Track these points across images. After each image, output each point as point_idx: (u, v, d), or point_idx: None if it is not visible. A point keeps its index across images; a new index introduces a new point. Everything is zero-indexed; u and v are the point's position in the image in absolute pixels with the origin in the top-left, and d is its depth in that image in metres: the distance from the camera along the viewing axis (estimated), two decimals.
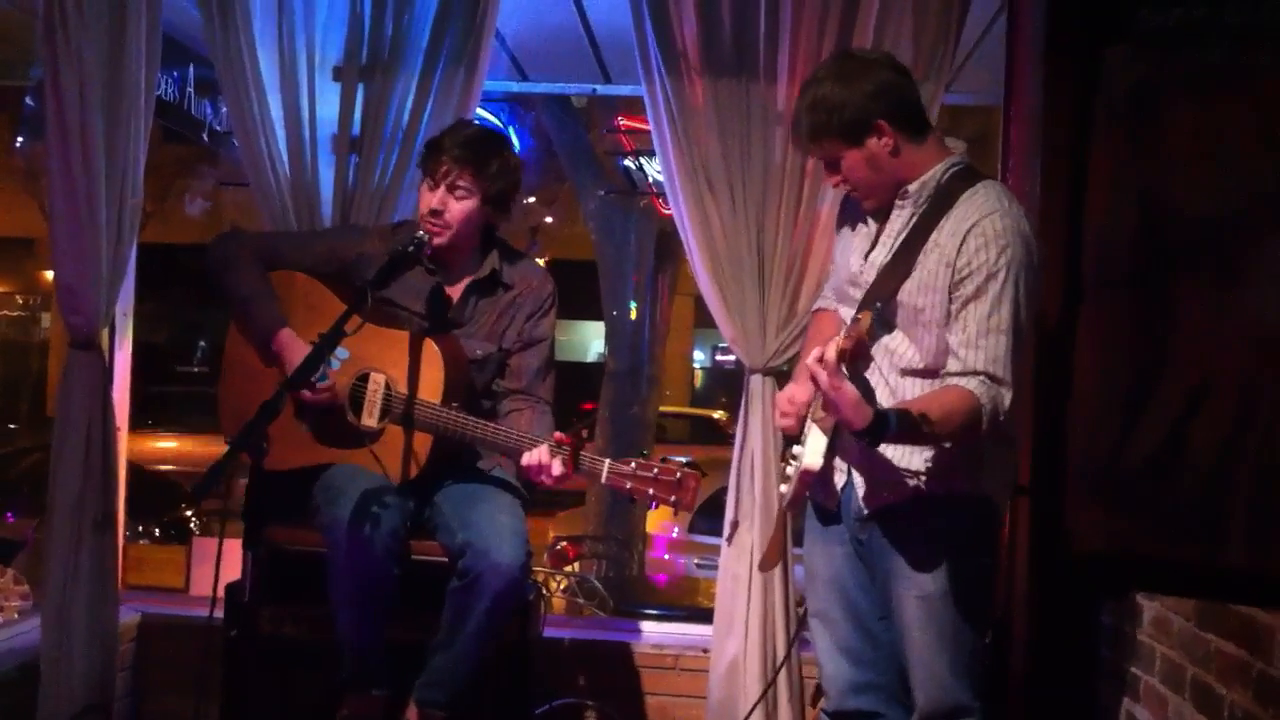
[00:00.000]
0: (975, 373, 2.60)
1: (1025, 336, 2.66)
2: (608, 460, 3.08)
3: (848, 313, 2.88)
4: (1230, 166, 3.01)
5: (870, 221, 2.85)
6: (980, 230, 2.61)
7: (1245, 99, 3.01)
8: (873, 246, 2.82)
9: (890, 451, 2.72)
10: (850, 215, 2.94)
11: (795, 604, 3.87)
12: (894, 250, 2.74)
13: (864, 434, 2.50)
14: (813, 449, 2.75)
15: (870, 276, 2.78)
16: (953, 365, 2.64)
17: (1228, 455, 2.92)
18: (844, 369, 2.49)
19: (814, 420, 2.77)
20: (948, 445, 2.66)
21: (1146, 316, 3.15)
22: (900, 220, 2.77)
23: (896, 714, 2.89)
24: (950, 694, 2.76)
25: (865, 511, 2.81)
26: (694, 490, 3.06)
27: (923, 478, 2.73)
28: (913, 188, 2.74)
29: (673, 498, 3.04)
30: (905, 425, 2.50)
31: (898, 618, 2.80)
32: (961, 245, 2.62)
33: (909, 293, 2.68)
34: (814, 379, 2.49)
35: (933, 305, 2.65)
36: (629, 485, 3.05)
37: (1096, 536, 3.23)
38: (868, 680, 2.91)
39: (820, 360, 2.46)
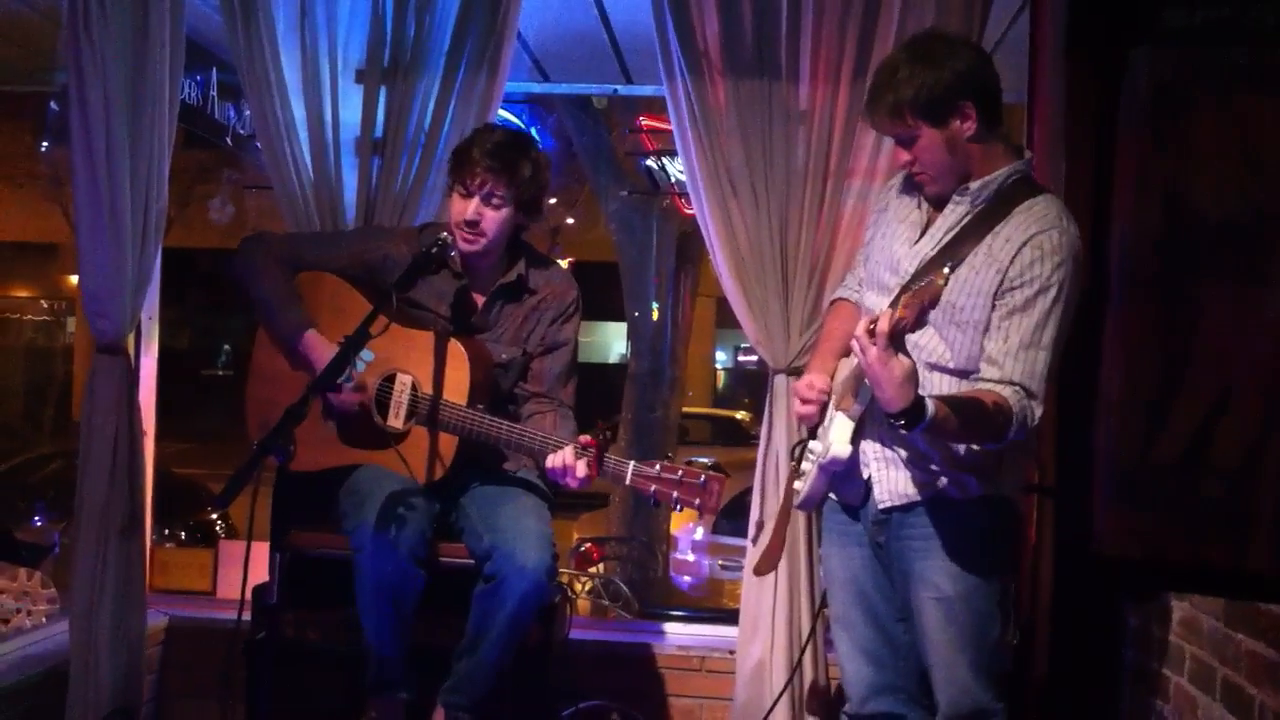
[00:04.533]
0: (1012, 383, 2.59)
1: (1059, 355, 2.66)
2: (632, 462, 3.08)
3: (876, 299, 2.83)
4: (1256, 167, 2.99)
5: (923, 209, 2.82)
6: (1038, 243, 2.60)
7: (1271, 99, 2.99)
8: (920, 236, 2.79)
9: (913, 446, 2.72)
10: (901, 200, 2.89)
11: (821, 604, 3.86)
12: (941, 245, 2.72)
13: (900, 416, 2.46)
14: (839, 437, 2.74)
15: (911, 267, 2.75)
16: (989, 371, 2.62)
17: (1253, 456, 2.91)
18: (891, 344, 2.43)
19: (838, 408, 2.75)
20: (971, 446, 2.66)
21: (1172, 317, 3.14)
22: (955, 216, 2.74)
23: (917, 716, 2.89)
24: (971, 695, 2.75)
25: (881, 508, 2.80)
26: (718, 494, 3.05)
27: (941, 479, 2.72)
28: (974, 185, 2.71)
29: (696, 501, 3.03)
30: (941, 416, 2.47)
31: (917, 620, 2.79)
32: (1017, 254, 2.61)
33: (950, 289, 2.59)
34: (861, 351, 2.44)
35: (972, 306, 2.64)
36: (653, 488, 3.05)
37: (1121, 537, 3.22)
38: (888, 682, 2.91)
39: (870, 332, 2.42)
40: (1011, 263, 2.61)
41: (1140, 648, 3.35)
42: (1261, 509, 2.88)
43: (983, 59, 2.74)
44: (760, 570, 3.42)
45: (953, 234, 2.71)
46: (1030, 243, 2.60)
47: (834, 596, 2.99)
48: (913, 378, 2.44)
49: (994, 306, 2.63)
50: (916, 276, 2.70)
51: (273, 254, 3.43)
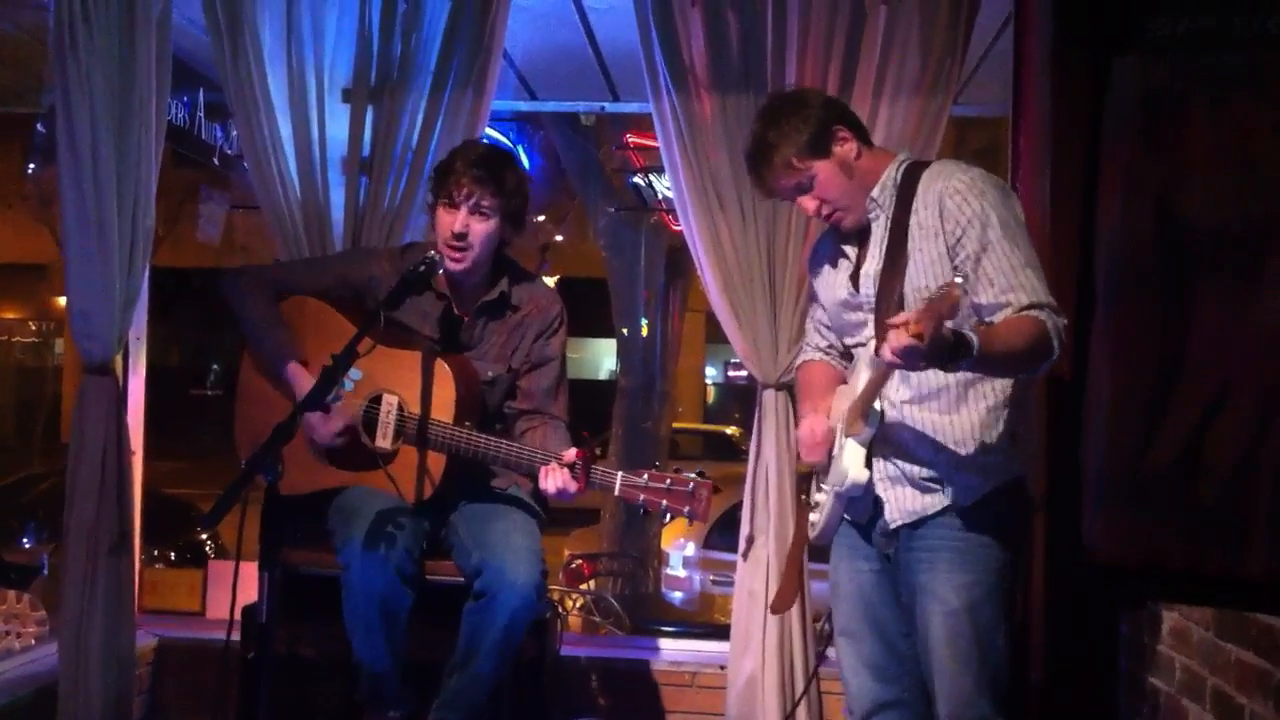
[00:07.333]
0: (1028, 307, 2.63)
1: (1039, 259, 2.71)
2: (620, 473, 3.08)
3: (854, 341, 2.92)
4: (1249, 169, 3.00)
5: (847, 251, 2.90)
6: (950, 191, 2.70)
7: (1262, 101, 3.01)
8: (857, 268, 2.86)
9: (920, 453, 2.74)
10: (824, 256, 2.99)
11: (813, 620, 3.85)
12: (884, 254, 2.79)
13: (950, 352, 2.41)
14: (854, 463, 2.76)
15: (871, 289, 2.81)
16: (1002, 314, 2.65)
17: (1248, 462, 2.91)
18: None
19: (848, 435, 2.77)
20: (980, 436, 2.72)
21: (1165, 322, 3.14)
22: (879, 227, 2.83)
23: None
24: (974, 708, 2.75)
25: (893, 526, 2.81)
26: (707, 500, 3.05)
27: (950, 489, 2.74)
28: (875, 193, 2.82)
29: (686, 508, 3.04)
30: (985, 341, 2.47)
31: (923, 632, 2.79)
32: (940, 211, 2.70)
33: (912, 279, 2.73)
34: (899, 361, 2.40)
35: (937, 278, 2.69)
36: (642, 497, 3.05)
37: (1115, 543, 3.22)
38: (893, 697, 2.91)
39: (894, 352, 2.37)
40: (942, 219, 2.70)
41: (1133, 657, 3.35)
42: (1257, 512, 2.88)
43: (825, 94, 3.05)
44: (777, 609, 3.42)
45: (888, 239, 2.79)
46: (943, 194, 2.71)
47: (840, 610, 2.99)
48: (937, 346, 2.39)
49: (956, 268, 2.68)
50: (883, 290, 2.77)
51: (257, 280, 3.44)
